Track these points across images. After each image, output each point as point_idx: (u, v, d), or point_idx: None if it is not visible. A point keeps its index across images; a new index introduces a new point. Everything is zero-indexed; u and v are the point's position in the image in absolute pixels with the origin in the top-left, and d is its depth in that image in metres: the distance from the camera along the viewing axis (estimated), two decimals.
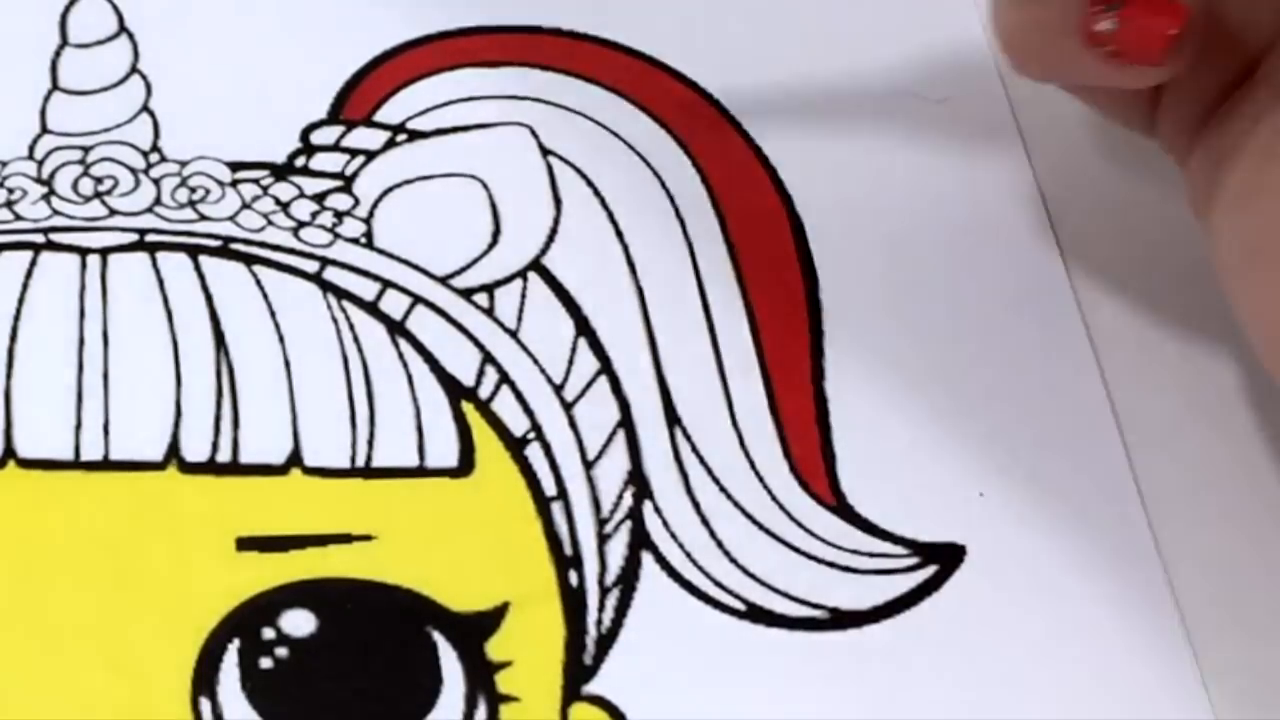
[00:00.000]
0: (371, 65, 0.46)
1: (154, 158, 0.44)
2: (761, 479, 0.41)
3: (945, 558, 0.40)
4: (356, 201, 0.43)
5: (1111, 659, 0.39)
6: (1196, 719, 0.38)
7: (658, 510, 0.40)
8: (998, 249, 0.44)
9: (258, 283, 0.42)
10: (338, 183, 0.44)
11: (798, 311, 0.43)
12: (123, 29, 0.46)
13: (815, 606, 0.39)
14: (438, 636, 0.38)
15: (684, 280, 0.43)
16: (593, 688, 0.38)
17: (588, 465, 0.40)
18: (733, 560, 0.40)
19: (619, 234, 0.44)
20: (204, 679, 0.37)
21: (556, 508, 0.40)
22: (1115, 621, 0.40)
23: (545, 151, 0.45)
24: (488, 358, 0.42)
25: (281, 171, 0.44)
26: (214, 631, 0.38)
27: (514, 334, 0.42)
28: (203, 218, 0.43)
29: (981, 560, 0.40)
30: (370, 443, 0.40)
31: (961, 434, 0.41)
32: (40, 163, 0.43)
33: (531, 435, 0.41)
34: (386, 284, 0.42)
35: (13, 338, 0.41)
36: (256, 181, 0.44)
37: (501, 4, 0.47)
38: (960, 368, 0.42)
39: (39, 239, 0.42)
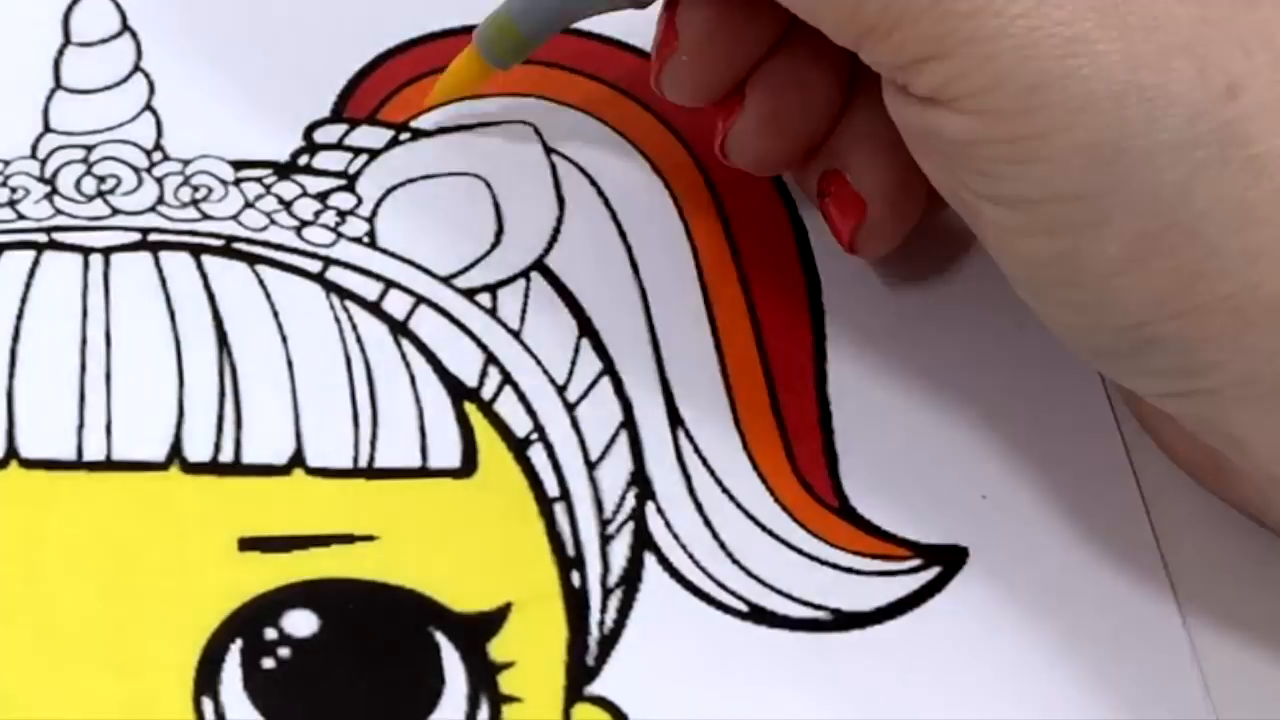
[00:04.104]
0: (375, 63, 0.46)
1: (157, 156, 0.44)
2: (764, 480, 0.41)
3: (948, 559, 0.40)
4: (359, 200, 0.43)
5: (1113, 660, 0.39)
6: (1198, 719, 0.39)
7: (660, 511, 0.40)
8: None
9: (260, 282, 0.42)
10: (341, 181, 0.44)
11: (800, 313, 0.43)
12: (125, 27, 0.46)
13: (818, 608, 0.39)
14: (440, 637, 0.38)
15: (687, 281, 0.43)
16: (595, 688, 0.38)
17: (590, 466, 0.40)
18: (735, 561, 0.40)
19: (622, 234, 0.44)
20: (206, 679, 0.37)
21: (559, 508, 0.40)
22: (1117, 622, 0.40)
23: (549, 150, 0.45)
24: (490, 358, 0.41)
25: (284, 170, 0.44)
26: (216, 632, 0.38)
27: (517, 335, 0.42)
28: (205, 217, 0.43)
29: (984, 562, 0.40)
30: (373, 443, 0.40)
31: (964, 436, 0.41)
32: (43, 162, 0.43)
33: (534, 436, 0.41)
34: (389, 284, 0.42)
35: (15, 337, 0.41)
36: (259, 180, 0.43)
37: None
38: (962, 370, 0.42)
39: (42, 238, 0.42)
